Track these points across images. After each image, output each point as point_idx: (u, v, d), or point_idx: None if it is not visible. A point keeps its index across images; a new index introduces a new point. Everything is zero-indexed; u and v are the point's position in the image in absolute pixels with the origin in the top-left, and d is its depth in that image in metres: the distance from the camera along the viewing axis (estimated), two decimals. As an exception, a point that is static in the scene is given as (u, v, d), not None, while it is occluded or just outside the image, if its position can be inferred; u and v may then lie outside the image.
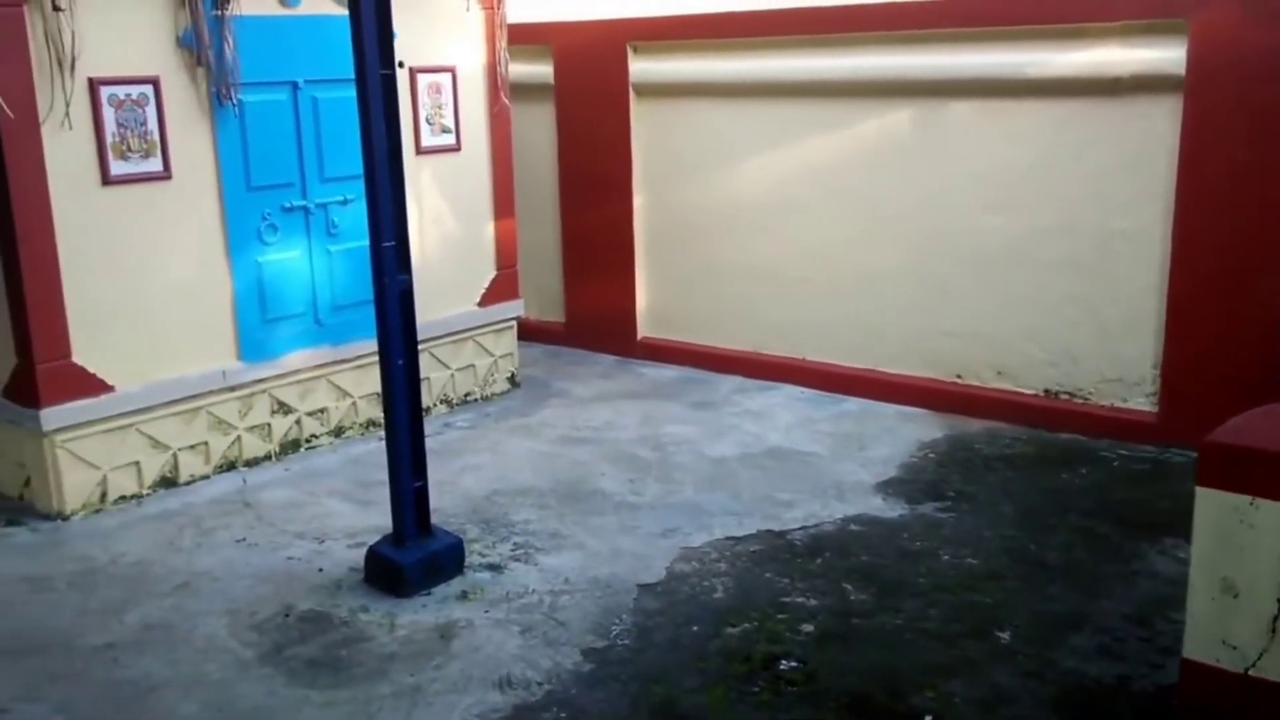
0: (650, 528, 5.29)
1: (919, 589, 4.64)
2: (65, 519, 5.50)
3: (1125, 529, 5.16)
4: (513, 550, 5.07)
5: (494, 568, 4.90)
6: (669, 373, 7.78)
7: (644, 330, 8.12)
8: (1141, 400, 6.27)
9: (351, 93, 6.12)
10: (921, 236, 6.80)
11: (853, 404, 7.01)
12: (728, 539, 5.14)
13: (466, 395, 7.26)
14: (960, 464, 6.01)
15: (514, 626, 4.39)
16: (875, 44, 6.71)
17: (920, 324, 6.90)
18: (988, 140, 6.48)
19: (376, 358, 6.42)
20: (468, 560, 4.89)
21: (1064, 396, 6.51)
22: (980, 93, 6.45)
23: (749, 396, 7.22)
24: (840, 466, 6.01)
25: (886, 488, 5.71)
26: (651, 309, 8.08)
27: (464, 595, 4.64)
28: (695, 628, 4.36)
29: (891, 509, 5.45)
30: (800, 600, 4.57)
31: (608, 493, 5.73)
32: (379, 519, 5.33)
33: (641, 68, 7.69)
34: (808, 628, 4.35)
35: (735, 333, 7.68)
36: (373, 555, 4.75)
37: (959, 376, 6.84)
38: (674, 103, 7.63)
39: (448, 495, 5.61)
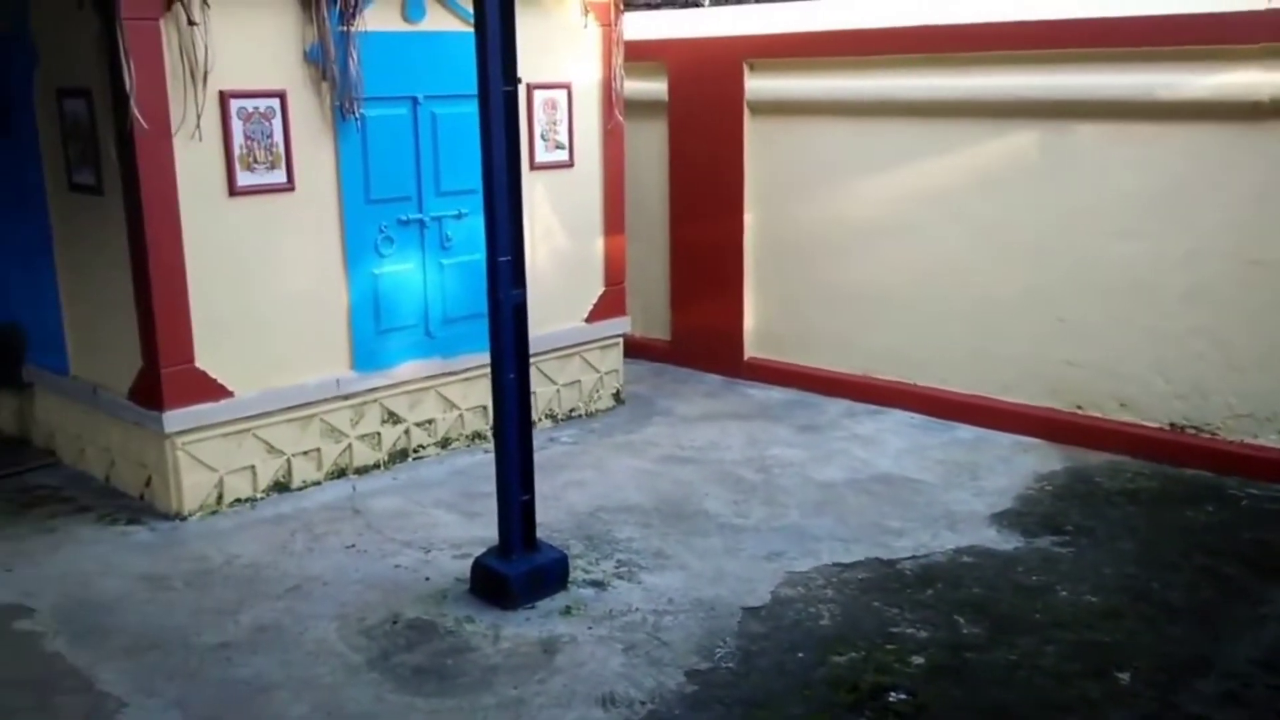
0: (755, 550, 5.21)
1: (1035, 625, 4.48)
2: (183, 519, 5.65)
3: (1253, 571, 4.91)
4: (616, 568, 5.04)
5: (597, 584, 4.88)
6: (775, 394, 7.69)
7: (751, 350, 8.05)
8: (1274, 437, 5.97)
9: (469, 108, 6.28)
10: (1043, 262, 6.60)
11: (965, 432, 6.83)
12: (835, 565, 5.04)
13: (571, 411, 7.28)
14: (1079, 498, 5.80)
15: (617, 644, 4.36)
16: (999, 63, 6.55)
17: (1039, 352, 6.70)
18: (1116, 164, 6.27)
19: (484, 371, 6.57)
20: (571, 576, 4.88)
21: (1190, 431, 6.23)
22: (1109, 115, 6.24)
23: (857, 421, 7.09)
24: (952, 495, 5.84)
25: (1001, 519, 5.54)
26: (759, 329, 8.01)
27: (567, 610, 4.63)
28: (801, 654, 4.27)
29: (1006, 541, 5.28)
30: (910, 631, 4.44)
31: (712, 513, 5.67)
32: (484, 531, 5.37)
33: (757, 85, 7.65)
34: (918, 660, 4.23)
35: (844, 355, 7.55)
36: (479, 567, 4.77)
37: (1079, 407, 6.61)
38: (789, 121, 7.57)
39: (552, 510, 5.61)
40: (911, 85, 6.93)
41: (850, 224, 7.39)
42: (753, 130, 7.73)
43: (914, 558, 5.10)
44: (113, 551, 5.31)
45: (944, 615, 4.57)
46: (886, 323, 7.32)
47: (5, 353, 6.54)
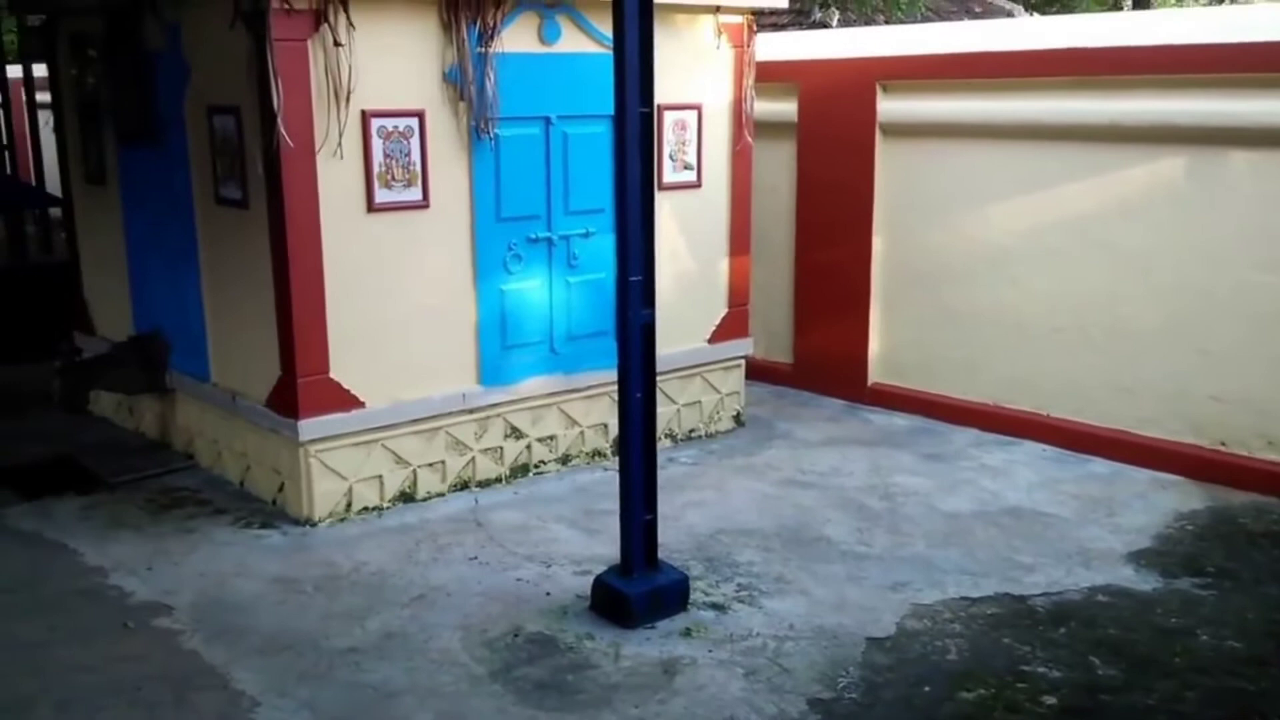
0: (879, 580, 5.11)
1: (1174, 669, 4.29)
2: (313, 525, 5.80)
3: None
4: (736, 591, 5.00)
5: (718, 607, 4.84)
6: (900, 421, 7.55)
7: (875, 376, 7.92)
8: None
9: (600, 128, 6.40)
10: (1187, 292, 6.34)
11: (1101, 466, 6.59)
12: (962, 599, 4.90)
13: (691, 431, 7.26)
14: (1222, 538, 5.54)
15: (738, 668, 4.31)
16: (1146, 87, 6.33)
17: (1181, 385, 6.43)
18: (1269, 193, 5.99)
19: (606, 388, 6.65)
20: (692, 597, 4.85)
21: (1345, 473, 5.91)
22: (1264, 142, 5.97)
23: (986, 451, 6.90)
24: (1086, 532, 5.64)
25: (1139, 558, 5.32)
26: (884, 354, 7.88)
27: (688, 632, 4.60)
28: (927, 688, 4.16)
29: (1144, 581, 5.07)
30: (1042, 670, 4.29)
31: (834, 540, 5.58)
32: (603, 548, 5.39)
33: (890, 107, 7.55)
34: (1050, 700, 4.08)
35: (973, 384, 7.37)
36: (600, 584, 4.78)
37: (1223, 444, 6.32)
38: (923, 143, 7.44)
39: (671, 530, 5.60)
40: (1054, 109, 6.74)
41: (983, 249, 7.22)
42: (885, 152, 7.63)
43: (1046, 595, 4.94)
44: (247, 554, 5.49)
45: (1078, 655, 4.40)
46: (1018, 351, 7.12)
47: (150, 359, 6.83)
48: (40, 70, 10.74)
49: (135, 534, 5.71)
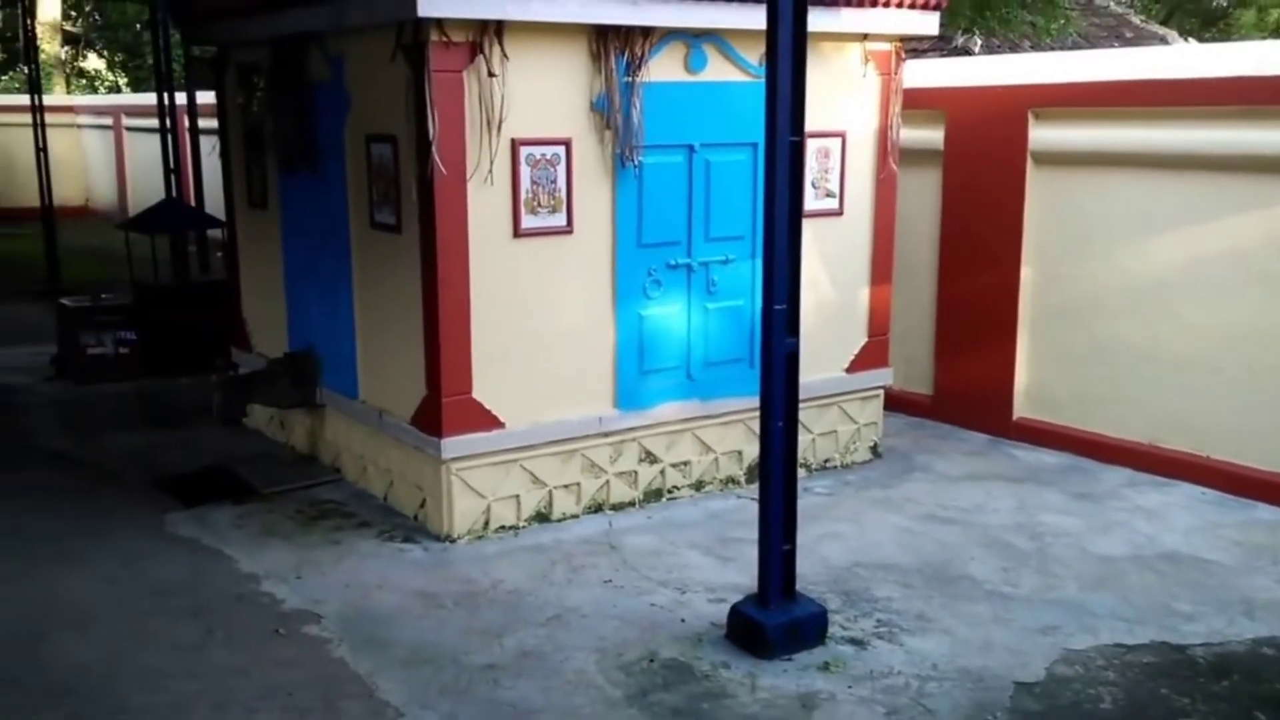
0: (1026, 622, 4.94)
1: (1349, 733, 4.03)
2: (452, 541, 5.93)
3: None
4: (876, 627, 4.90)
5: (856, 642, 4.75)
6: (1047, 458, 7.30)
7: (1021, 410, 7.69)
8: None
9: (742, 156, 6.41)
10: (1361, 329, 5.99)
11: (1266, 511, 6.25)
12: (1116, 646, 4.70)
13: (826, 461, 7.17)
14: (1402, 593, 5.19)
15: (878, 707, 4.22)
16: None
17: (1354, 428, 6.07)
18: None
19: (742, 415, 6.63)
20: (830, 631, 4.78)
21: None
22: None
23: (1140, 492, 6.62)
24: (1251, 581, 5.35)
25: (1308, 610, 5.02)
26: (1031, 388, 7.64)
27: (826, 666, 4.53)
28: (1078, 738, 4.00)
29: (1315, 635, 4.78)
30: (1202, 726, 4.08)
31: (978, 579, 5.42)
32: (737, 576, 5.36)
33: (1042, 135, 7.35)
34: (1212, 758, 3.88)
35: (1127, 421, 7.08)
36: (736, 613, 4.74)
37: (1401, 492, 5.93)
38: (1077, 172, 7.23)
39: (806, 561, 5.51)
40: (1216, 138, 6.47)
41: (1140, 281, 6.95)
42: (1035, 181, 7.43)
43: (1207, 645, 4.70)
44: (389, 566, 5.63)
45: (1241, 710, 4.18)
46: (1176, 388, 6.82)
47: (302, 376, 7.09)
48: (203, 97, 11.38)
49: (285, 543, 5.93)
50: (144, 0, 15.58)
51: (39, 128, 12.98)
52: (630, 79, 5.92)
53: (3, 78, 28.40)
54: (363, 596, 5.28)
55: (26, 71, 25.91)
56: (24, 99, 19.40)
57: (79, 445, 7.71)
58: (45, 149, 13.09)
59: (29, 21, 13.28)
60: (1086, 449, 7.24)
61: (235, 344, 8.16)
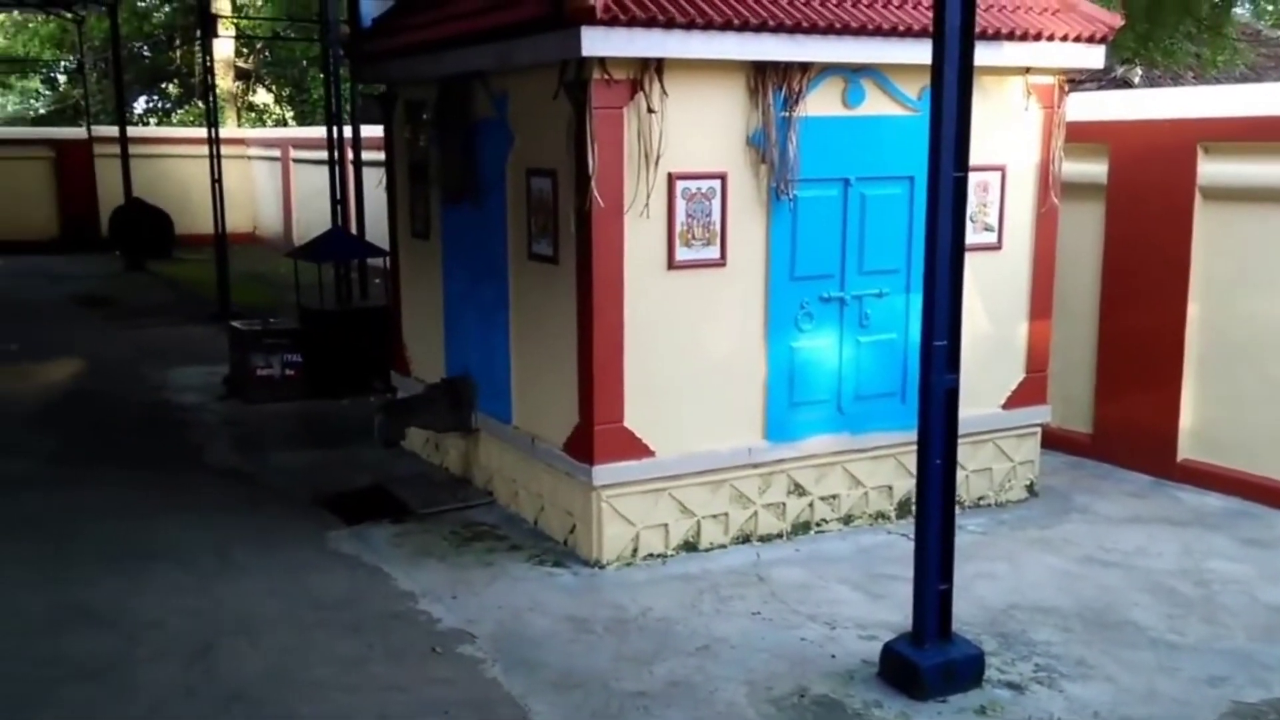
0: (1193, 672, 4.75)
1: None
2: (601, 567, 6.02)
3: None
4: (1034, 672, 4.78)
5: (1014, 687, 4.64)
6: (1213, 501, 7.00)
7: (1186, 451, 7.39)
8: None
9: (898, 190, 6.38)
10: None
11: None
12: (1293, 702, 4.48)
13: (980, 499, 7.02)
14: None
15: (1038, 755, 4.12)
16: None
17: None
18: None
19: (893, 450, 6.56)
20: (986, 674, 4.68)
21: None
22: None
23: (1315, 540, 6.31)
24: None
25: None
26: (1197, 429, 7.34)
27: (982, 710, 4.44)
28: (1254, 800, 3.82)
29: None
30: (1393, 794, 3.85)
31: (1141, 625, 5.23)
32: (889, 614, 5.30)
33: (1213, 169, 7.09)
34: (1405, 830, 3.65)
35: (1302, 466, 6.75)
36: (889, 652, 4.69)
37: None
38: (1250, 207, 6.95)
39: (961, 601, 5.38)
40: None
41: (1318, 321, 6.63)
42: (1204, 216, 7.16)
43: (1397, 708, 4.43)
44: (540, 590, 5.76)
45: None
46: (1358, 432, 6.47)
47: (459, 401, 7.32)
48: (367, 131, 11.89)
49: (440, 563, 6.12)
50: (315, 40, 16.39)
51: (214, 159, 13.76)
52: (787, 114, 5.97)
53: (178, 111, 30.20)
54: (515, 619, 5.41)
55: (202, 106, 27.59)
56: (200, 132, 20.68)
57: (248, 461, 8.12)
58: (220, 180, 13.86)
59: (208, 60, 14.12)
60: (1256, 493, 6.91)
61: (395, 368, 8.48)
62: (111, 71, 22.80)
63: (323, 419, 9.27)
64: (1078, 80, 7.08)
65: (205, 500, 7.21)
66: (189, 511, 6.95)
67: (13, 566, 6.04)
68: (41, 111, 29.89)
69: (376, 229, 11.35)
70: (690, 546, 6.24)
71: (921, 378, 4.45)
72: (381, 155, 8.42)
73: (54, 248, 20.53)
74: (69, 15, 21.90)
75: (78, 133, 22.15)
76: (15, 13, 24.71)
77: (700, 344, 6.12)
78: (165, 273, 18.27)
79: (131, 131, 19.72)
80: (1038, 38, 6.44)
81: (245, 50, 27.94)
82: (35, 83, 30.45)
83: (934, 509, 4.50)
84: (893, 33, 5.99)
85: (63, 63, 28.07)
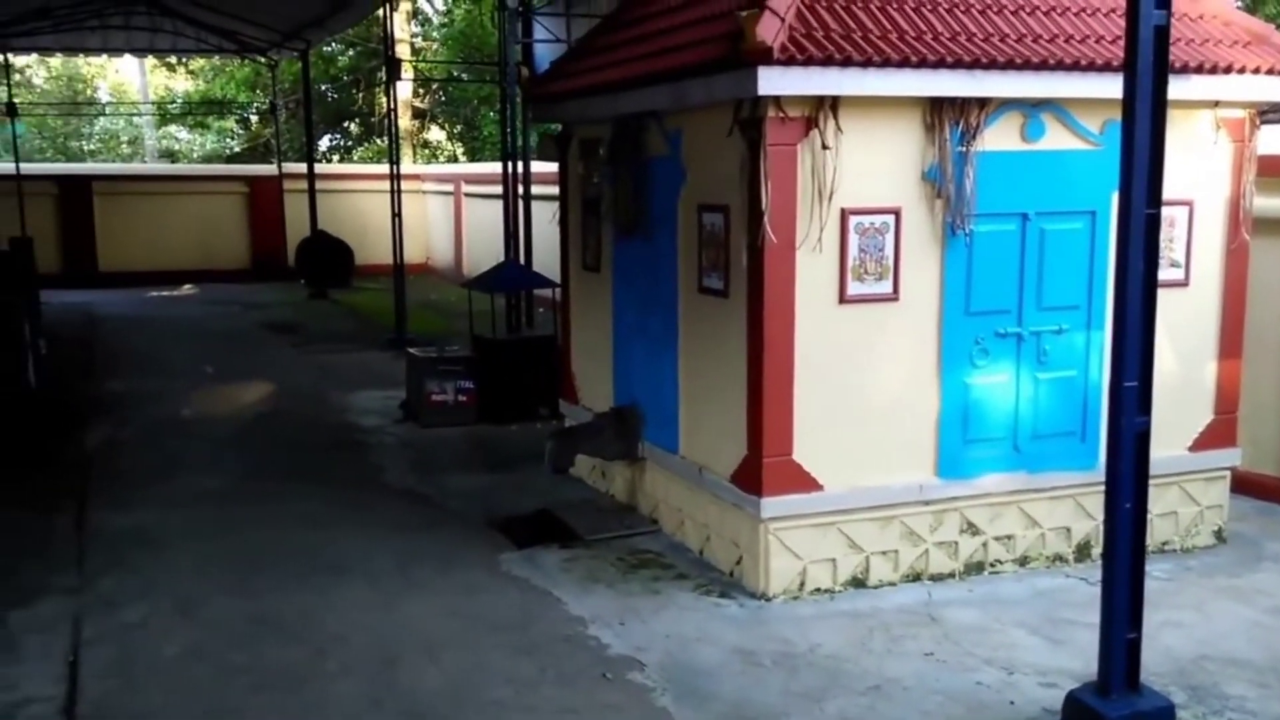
0: None
1: None
2: (768, 600, 6.03)
3: None
4: (1228, 728, 4.57)
5: (1207, 743, 4.45)
6: None
7: (1394, 501, 6.94)
8: None
9: (1078, 224, 6.25)
10: None
11: None
12: None
13: (1164, 544, 6.73)
14: None
15: (1235, 817, 3.93)
16: None
17: None
18: None
19: (1072, 490, 6.39)
20: (1176, 729, 4.50)
21: None
22: None
23: None
24: None
25: None
26: (1406, 477, 6.89)
27: (1172, 767, 4.27)
28: None
29: None
30: None
31: (1347, 686, 4.93)
32: (1070, 661, 5.15)
33: None
34: None
35: None
36: (1073, 701, 4.55)
37: None
38: None
39: (1148, 651, 5.12)
40: None
41: None
42: None
43: None
44: (707, 620, 5.81)
45: None
46: None
47: (626, 429, 7.46)
48: (537, 167, 12.28)
49: (608, 589, 6.24)
50: (488, 81, 17.02)
51: (395, 195, 14.43)
52: (964, 148, 5.92)
53: (359, 149, 31.76)
54: (682, 648, 5.47)
55: (381, 143, 28.94)
56: (379, 168, 21.71)
57: (424, 483, 8.45)
58: (400, 214, 14.51)
59: (392, 102, 14.87)
60: None
61: (563, 396, 8.70)
62: (300, 112, 24.18)
63: (493, 444, 9.57)
64: (1270, 113, 6.80)
65: (386, 519, 7.54)
66: (372, 529, 7.29)
67: (212, 578, 6.45)
68: (236, 149, 31.86)
69: (542, 261, 11.69)
70: (858, 583, 6.19)
71: (1110, 419, 4.33)
72: (549, 190, 8.71)
73: (245, 277, 21.84)
74: (263, 60, 23.35)
75: (269, 169, 23.54)
76: (215, 58, 26.43)
77: (871, 378, 6.09)
78: (346, 301, 19.19)
79: (317, 168, 20.84)
80: (1228, 71, 6.21)
81: (421, 91, 29.22)
82: (230, 123, 32.48)
83: (1122, 554, 4.36)
84: (1074, 67, 5.88)
85: (255, 104, 29.93)
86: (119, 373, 12.73)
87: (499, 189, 13.39)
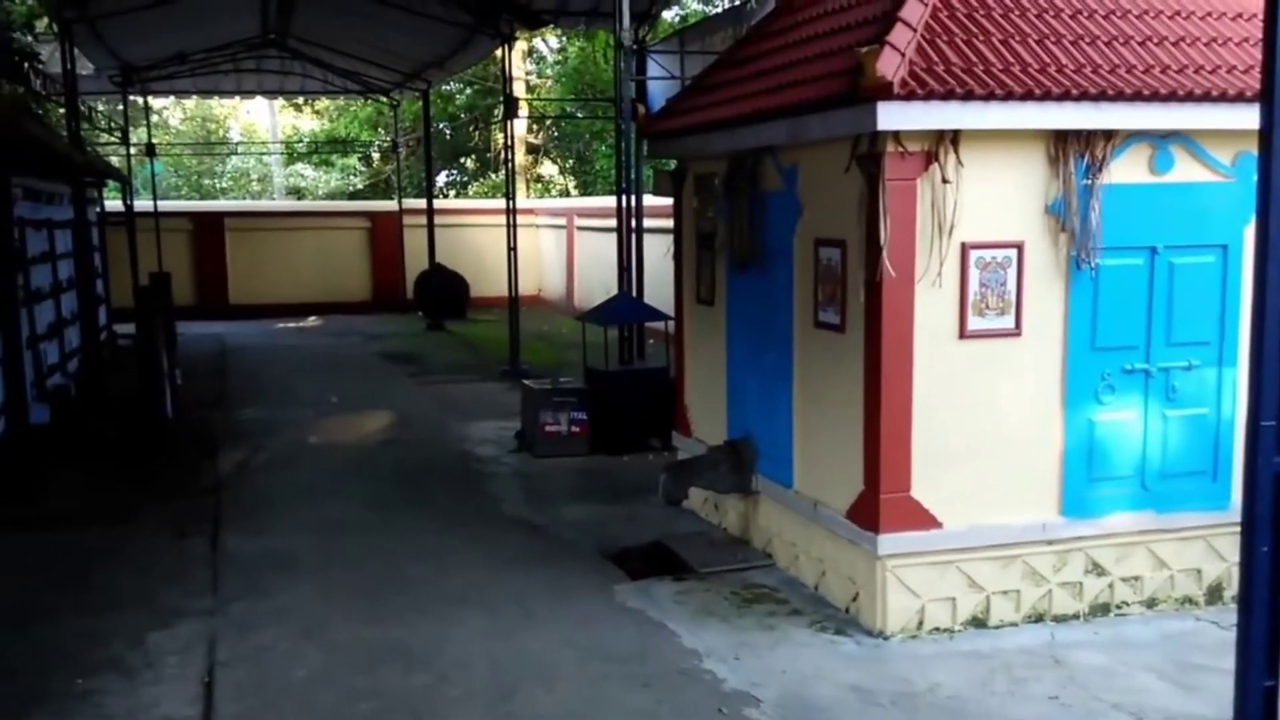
0: None
1: None
2: (885, 638, 5.96)
3: None
4: (1378, 787, 4.34)
5: (1353, 802, 4.23)
6: None
7: None
8: None
9: (1209, 258, 6.11)
10: None
11: None
12: None
13: (1304, 590, 6.45)
14: None
15: None
16: None
17: None
18: None
19: (1203, 531, 6.19)
20: (1315, 785, 4.29)
21: None
22: None
23: None
24: None
25: None
26: None
27: (1317, 824, 4.08)
28: None
29: None
30: None
31: None
32: (1202, 707, 5.00)
33: None
34: None
35: None
36: (1207, 750, 4.40)
37: None
38: None
39: None
40: None
41: None
42: None
43: None
44: (823, 657, 5.77)
45: None
46: None
47: (740, 463, 7.47)
48: (649, 200, 12.42)
49: (722, 623, 6.24)
50: (601, 117, 17.33)
51: (511, 229, 14.77)
52: (1089, 181, 5.83)
53: (474, 184, 32.55)
54: (799, 685, 5.45)
55: (496, 178, 29.60)
56: (494, 203, 22.25)
57: (538, 513, 8.59)
58: (515, 247, 14.84)
59: (509, 139, 15.27)
60: None
61: (676, 429, 8.75)
62: (419, 149, 24.93)
63: (605, 475, 9.67)
64: None
65: (503, 549, 7.67)
66: (490, 559, 7.43)
67: (338, 603, 6.66)
68: (358, 186, 32.98)
69: (653, 293, 11.80)
70: (979, 622, 6.08)
71: (1246, 459, 4.17)
72: (661, 223, 8.80)
73: (365, 309, 22.55)
74: (386, 99, 24.18)
75: (389, 205, 24.33)
76: (340, 98, 27.47)
77: (992, 414, 6.01)
78: (461, 332, 19.64)
79: (435, 203, 21.44)
80: (1371, 93, 5.98)
81: (535, 127, 29.85)
82: (353, 160, 33.65)
83: (1259, 599, 4.19)
84: (1205, 98, 5.76)
85: (376, 142, 30.95)
86: (249, 401, 13.27)
87: (610, 222, 13.59)
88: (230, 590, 6.87)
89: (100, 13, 13.75)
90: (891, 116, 5.46)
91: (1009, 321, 5.93)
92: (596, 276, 18.64)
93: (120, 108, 21.06)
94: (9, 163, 9.38)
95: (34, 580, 7.10)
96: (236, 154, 34.61)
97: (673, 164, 8.64)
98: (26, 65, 13.86)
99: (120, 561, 7.42)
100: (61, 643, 6.07)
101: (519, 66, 27.41)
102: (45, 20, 15.23)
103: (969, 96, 5.49)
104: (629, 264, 12.06)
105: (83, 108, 16.28)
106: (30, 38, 15.30)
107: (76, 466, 9.94)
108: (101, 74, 18.58)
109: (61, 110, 15.01)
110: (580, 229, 21.60)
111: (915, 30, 5.62)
